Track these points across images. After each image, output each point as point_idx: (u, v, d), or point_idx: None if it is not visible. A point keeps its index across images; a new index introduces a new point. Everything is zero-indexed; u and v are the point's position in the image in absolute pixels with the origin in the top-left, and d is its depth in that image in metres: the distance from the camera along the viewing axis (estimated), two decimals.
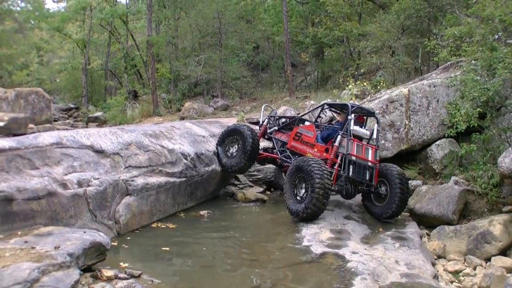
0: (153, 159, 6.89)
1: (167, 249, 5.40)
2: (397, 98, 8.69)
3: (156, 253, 5.29)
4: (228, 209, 8.01)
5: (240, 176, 9.54)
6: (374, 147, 7.17)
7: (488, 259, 5.58)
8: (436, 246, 6.03)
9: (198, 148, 8.15)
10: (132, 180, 6.24)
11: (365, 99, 10.50)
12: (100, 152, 6.12)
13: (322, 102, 9.27)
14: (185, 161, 7.51)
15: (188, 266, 4.96)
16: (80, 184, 5.41)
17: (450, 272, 5.43)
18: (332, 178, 6.61)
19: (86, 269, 4.19)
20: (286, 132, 8.29)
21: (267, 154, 8.40)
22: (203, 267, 4.98)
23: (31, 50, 35.40)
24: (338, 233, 6.12)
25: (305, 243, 5.72)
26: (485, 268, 5.44)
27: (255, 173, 9.59)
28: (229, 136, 8.38)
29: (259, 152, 8.26)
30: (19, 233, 4.43)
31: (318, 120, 8.33)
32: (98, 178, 5.69)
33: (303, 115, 8.70)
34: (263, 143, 8.77)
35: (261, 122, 8.93)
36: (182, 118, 15.96)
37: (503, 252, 5.66)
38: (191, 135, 8.42)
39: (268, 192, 9.30)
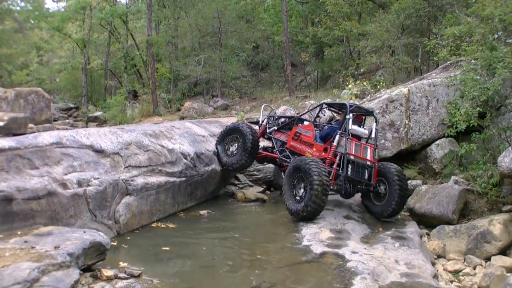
0: (153, 158, 6.89)
1: (167, 249, 5.40)
2: (397, 98, 8.69)
3: (156, 253, 5.29)
4: (228, 209, 8.01)
5: (240, 176, 9.54)
6: (373, 146, 7.19)
7: (488, 259, 5.58)
8: (436, 245, 6.03)
9: (198, 147, 8.15)
10: (132, 180, 6.24)
11: (365, 99, 10.50)
12: (100, 151, 6.12)
13: (321, 102, 9.27)
14: (185, 160, 7.51)
15: (188, 266, 4.96)
16: (80, 184, 5.40)
17: (450, 272, 5.43)
18: (330, 177, 6.63)
19: (86, 269, 4.19)
20: (286, 131, 8.31)
21: (267, 153, 8.42)
22: (203, 267, 4.98)
23: (31, 49, 35.41)
24: (338, 233, 6.12)
25: (305, 242, 5.72)
26: (485, 267, 5.44)
27: (255, 172, 9.60)
28: (228, 135, 8.40)
29: (259, 151, 8.27)
30: (19, 233, 4.43)
31: (317, 119, 8.34)
32: (98, 178, 5.69)
33: (302, 115, 8.71)
34: (263, 143, 8.78)
35: (260, 122, 8.95)
36: (182, 118, 15.95)
37: (503, 252, 5.65)
38: (191, 135, 8.42)
39: (268, 192, 9.30)
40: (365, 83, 13.16)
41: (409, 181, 7.97)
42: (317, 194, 6.27)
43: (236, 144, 8.28)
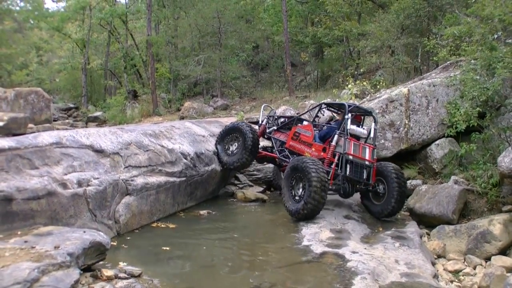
0: (152, 158, 6.88)
1: (167, 249, 5.40)
2: (396, 98, 8.69)
3: (156, 253, 5.29)
4: (228, 209, 8.01)
5: (240, 176, 9.54)
6: (372, 146, 7.21)
7: (488, 259, 5.57)
8: (436, 245, 6.03)
9: (197, 147, 8.15)
10: (132, 180, 6.24)
11: (364, 99, 10.50)
12: (99, 151, 6.12)
13: (320, 102, 9.29)
14: (185, 160, 7.51)
15: (188, 266, 4.96)
16: (80, 183, 5.40)
17: (450, 272, 5.43)
18: (329, 176, 6.67)
19: (86, 269, 4.19)
20: (285, 131, 8.33)
21: (266, 153, 8.43)
22: (203, 267, 4.98)
23: (30, 49, 35.38)
24: (338, 233, 6.12)
25: (305, 242, 5.72)
26: (485, 267, 5.44)
27: (255, 172, 9.60)
28: (228, 135, 8.41)
29: (259, 151, 8.28)
30: (18, 232, 4.43)
31: (316, 119, 8.36)
32: (98, 178, 5.69)
33: (301, 115, 8.74)
34: (263, 143, 8.78)
35: (260, 122, 8.96)
36: (182, 118, 15.94)
37: (503, 252, 5.65)
38: (190, 135, 8.42)
39: (268, 192, 9.30)
40: (365, 83, 13.16)
41: (409, 181, 7.99)
42: (316, 190, 6.28)
43: (236, 144, 8.28)
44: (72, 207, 5.22)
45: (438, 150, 8.21)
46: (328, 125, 8.10)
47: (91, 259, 4.25)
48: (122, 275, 4.28)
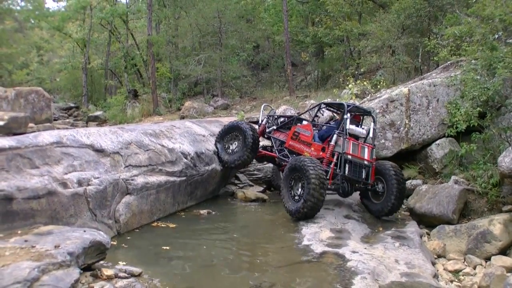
0: (153, 158, 6.89)
1: (167, 248, 5.40)
2: (397, 98, 8.69)
3: (156, 252, 5.29)
4: (228, 209, 8.01)
5: (240, 175, 9.55)
6: (370, 145, 7.23)
7: (488, 259, 5.57)
8: (436, 245, 6.03)
9: (198, 147, 8.15)
10: (132, 179, 6.24)
11: (365, 99, 10.50)
12: (100, 151, 6.12)
13: (320, 102, 9.30)
14: (185, 160, 7.51)
15: (188, 266, 4.96)
16: (80, 183, 5.41)
17: (450, 272, 5.43)
18: (328, 176, 6.69)
19: (86, 268, 4.19)
20: (285, 131, 8.36)
21: (266, 152, 8.45)
22: (203, 267, 4.98)
23: (31, 49, 35.35)
24: (338, 232, 6.13)
25: (305, 242, 5.72)
26: (485, 267, 5.43)
27: (255, 172, 9.61)
28: (228, 134, 8.42)
29: (259, 150, 8.29)
30: (19, 232, 4.43)
31: (316, 119, 8.38)
32: (98, 177, 5.69)
33: (301, 115, 8.77)
34: (263, 142, 8.79)
35: (260, 121, 8.97)
36: (182, 117, 15.94)
37: (503, 252, 5.65)
38: (191, 134, 8.43)
39: (268, 192, 9.31)
40: (365, 83, 13.16)
41: (409, 181, 8.01)
42: (315, 188, 6.30)
43: (236, 142, 8.30)
44: (73, 206, 5.22)
45: (438, 150, 8.21)
46: (328, 125, 8.13)
47: (91, 259, 4.25)
48: (122, 274, 4.28)
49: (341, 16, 17.12)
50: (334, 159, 6.95)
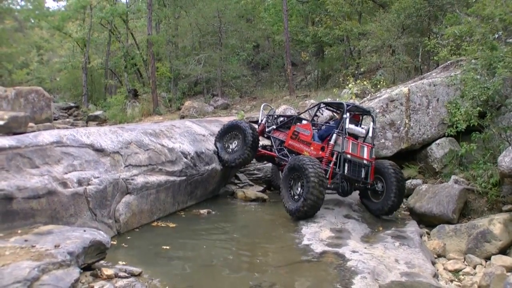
0: (153, 158, 6.89)
1: (167, 248, 5.40)
2: (397, 97, 8.69)
3: (156, 252, 5.29)
4: (228, 208, 8.01)
5: (240, 175, 9.54)
6: (370, 145, 7.24)
7: (488, 258, 5.57)
8: (436, 245, 6.03)
9: (198, 147, 8.15)
10: (132, 179, 6.24)
11: (365, 98, 10.50)
12: (100, 150, 6.12)
13: (319, 101, 9.30)
14: (185, 160, 7.51)
15: (188, 265, 4.96)
16: (80, 182, 5.41)
17: (450, 271, 5.43)
18: (327, 175, 6.70)
19: (86, 268, 4.19)
20: (284, 130, 8.37)
21: (265, 151, 8.46)
22: (203, 266, 4.98)
23: (31, 49, 35.36)
24: (338, 232, 6.13)
25: (305, 242, 5.72)
26: (485, 267, 5.43)
27: (255, 172, 9.61)
28: (227, 133, 8.42)
29: (258, 149, 8.30)
30: (19, 231, 4.43)
31: (315, 119, 8.39)
32: (98, 177, 5.69)
33: (300, 114, 8.79)
34: (262, 142, 8.79)
35: (259, 121, 8.98)
36: (182, 117, 15.94)
37: (503, 251, 5.65)
38: (191, 134, 8.42)
39: (268, 191, 9.31)
40: (365, 83, 13.16)
41: (409, 181, 8.02)
42: (314, 185, 6.30)
43: (236, 141, 8.30)
44: (73, 206, 5.22)
45: (438, 150, 8.21)
46: (327, 124, 8.14)
47: (91, 258, 4.26)
48: (122, 274, 4.28)
49: (341, 15, 17.12)
50: (334, 159, 6.96)
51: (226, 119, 11.37)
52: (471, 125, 7.34)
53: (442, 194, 6.88)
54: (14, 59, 32.09)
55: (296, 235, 6.04)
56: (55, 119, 16.56)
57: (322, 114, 9.54)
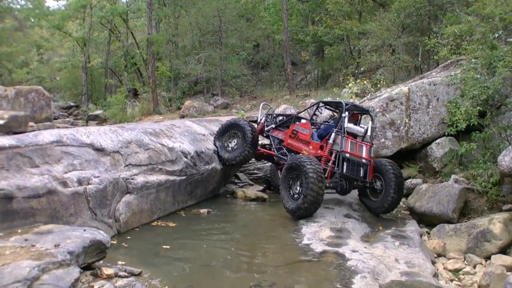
0: (153, 157, 6.89)
1: (167, 247, 5.40)
2: (397, 97, 8.69)
3: (156, 251, 5.29)
4: (228, 208, 8.01)
5: (240, 175, 9.55)
6: (368, 144, 7.26)
7: (488, 258, 5.58)
8: (436, 244, 6.04)
9: (198, 146, 8.15)
10: (132, 179, 6.24)
11: (365, 98, 10.50)
12: (100, 150, 6.12)
13: (318, 101, 9.31)
14: (185, 159, 7.51)
15: (188, 265, 4.96)
16: (80, 182, 5.41)
17: (450, 271, 5.43)
18: (326, 174, 6.72)
19: (86, 267, 4.19)
20: (283, 130, 8.37)
21: (264, 150, 8.46)
22: (203, 266, 4.98)
23: (31, 48, 35.38)
24: (338, 232, 6.13)
25: (305, 241, 5.72)
26: (485, 266, 5.44)
27: (255, 171, 9.61)
28: (226, 132, 8.42)
29: (258, 148, 8.30)
30: (19, 231, 4.43)
31: (314, 118, 8.39)
32: (98, 176, 5.69)
33: (299, 113, 8.79)
34: (261, 141, 8.79)
35: (258, 120, 8.98)
36: (182, 117, 15.94)
37: (503, 251, 5.65)
38: (191, 134, 8.42)
39: (268, 191, 9.30)
40: (365, 82, 13.17)
41: (409, 180, 8.03)
42: (313, 181, 6.32)
43: (236, 140, 8.31)
44: (73, 205, 5.22)
45: (438, 149, 8.21)
46: (326, 123, 8.15)
47: (91, 258, 4.25)
48: (122, 273, 4.28)
49: (341, 15, 17.12)
50: (332, 157, 6.97)
51: (226, 119, 11.38)
52: (471, 124, 7.34)
53: (442, 193, 6.88)
54: (14, 58, 32.11)
55: (296, 235, 6.04)
56: (55, 119, 16.58)
57: (321, 113, 9.55)
